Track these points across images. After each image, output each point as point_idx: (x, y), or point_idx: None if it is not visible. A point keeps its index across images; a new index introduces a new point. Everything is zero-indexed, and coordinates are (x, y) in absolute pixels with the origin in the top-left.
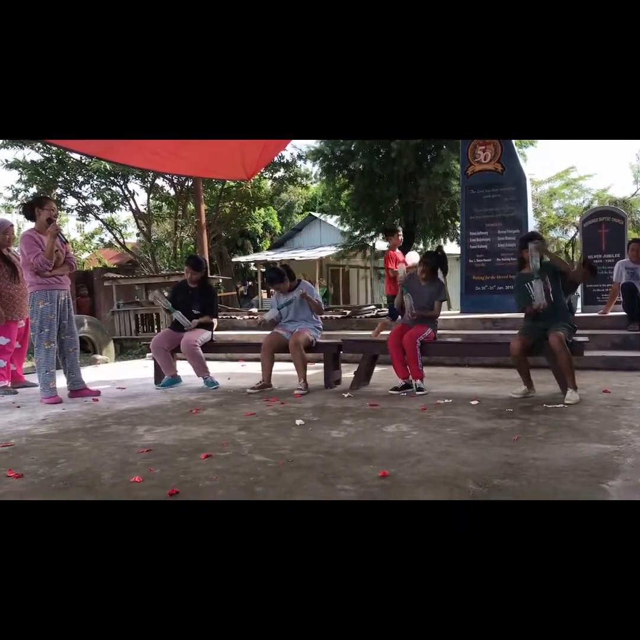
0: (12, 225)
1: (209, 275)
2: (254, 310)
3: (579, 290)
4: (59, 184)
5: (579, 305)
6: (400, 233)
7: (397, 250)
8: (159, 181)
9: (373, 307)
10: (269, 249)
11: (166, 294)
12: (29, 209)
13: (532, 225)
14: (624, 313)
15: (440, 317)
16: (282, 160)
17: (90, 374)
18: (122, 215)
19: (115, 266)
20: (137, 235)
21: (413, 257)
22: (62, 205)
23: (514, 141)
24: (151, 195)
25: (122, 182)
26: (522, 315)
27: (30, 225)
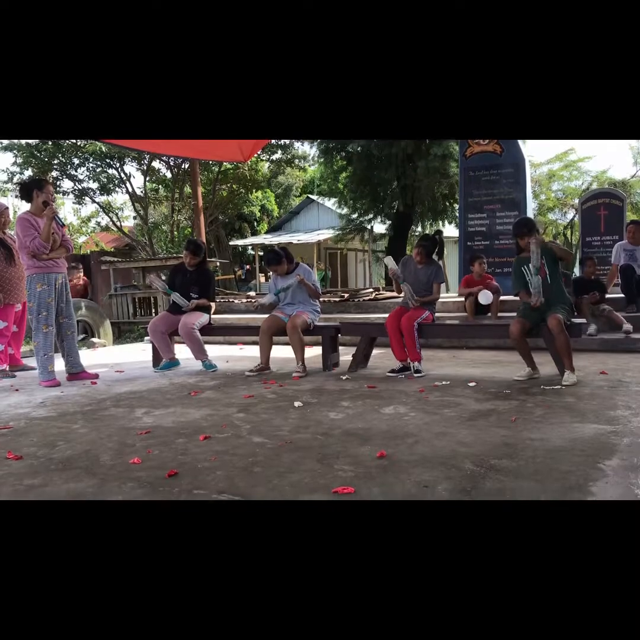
0: (7, 208)
1: (207, 259)
2: (252, 293)
3: (576, 271)
4: (55, 166)
5: None
6: (484, 261)
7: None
8: (156, 164)
9: (371, 290)
10: (266, 233)
11: (163, 277)
12: (27, 191)
13: (531, 207)
14: (622, 295)
15: (439, 300)
16: (279, 142)
17: (88, 358)
18: (119, 198)
19: (112, 250)
20: (134, 218)
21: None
22: (58, 188)
23: None
24: (148, 178)
25: (118, 164)
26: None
27: (26, 208)
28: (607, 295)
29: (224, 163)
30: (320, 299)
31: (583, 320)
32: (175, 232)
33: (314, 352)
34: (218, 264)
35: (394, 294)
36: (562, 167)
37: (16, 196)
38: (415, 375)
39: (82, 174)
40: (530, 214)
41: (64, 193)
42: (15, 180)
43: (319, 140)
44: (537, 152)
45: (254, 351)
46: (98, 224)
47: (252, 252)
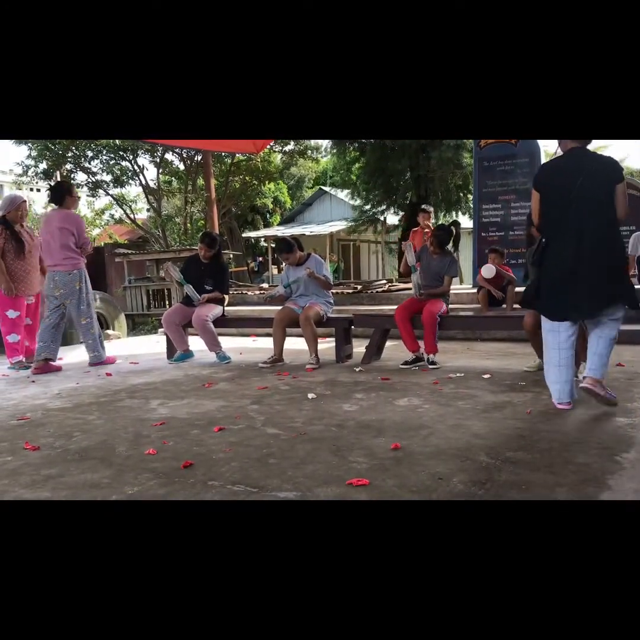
0: (24, 201)
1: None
2: (265, 285)
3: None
4: (69, 159)
5: None
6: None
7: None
8: (169, 156)
9: (384, 281)
10: (279, 224)
11: (178, 267)
12: (60, 194)
13: None
14: (639, 286)
15: (452, 291)
16: None
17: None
18: (132, 190)
19: (125, 242)
20: (148, 210)
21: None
22: (72, 181)
23: None
24: (161, 170)
25: (131, 157)
26: None
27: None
28: None
29: (237, 155)
30: (333, 291)
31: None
32: (189, 224)
33: (327, 344)
34: (231, 256)
35: (407, 285)
36: None
37: (31, 189)
38: (430, 367)
39: (95, 167)
40: None
41: (78, 185)
42: (30, 173)
43: None
44: (551, 142)
45: (267, 343)
46: (112, 216)
47: (265, 244)
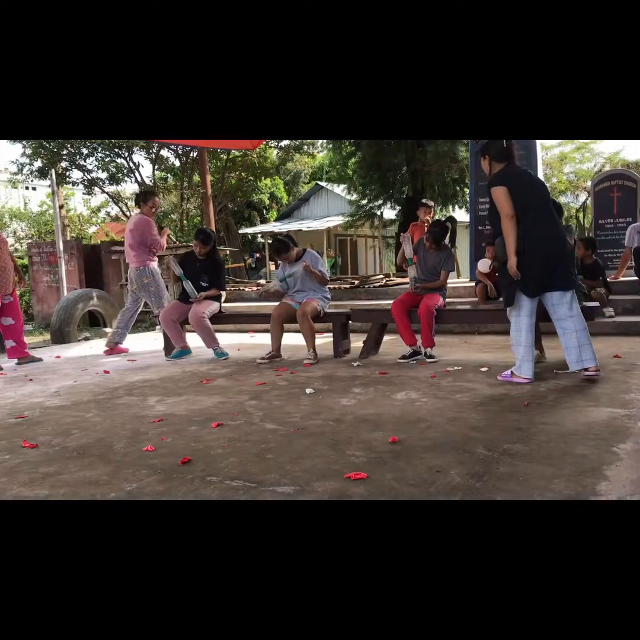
0: None
1: (217, 247)
2: (262, 281)
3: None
4: (64, 157)
5: None
6: (431, 204)
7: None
8: (164, 152)
9: (381, 276)
10: (276, 220)
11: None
12: (137, 201)
13: None
14: (635, 278)
15: (449, 285)
16: None
17: (100, 347)
18: (128, 187)
19: (122, 240)
20: None
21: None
22: (67, 179)
23: None
24: (156, 167)
25: (126, 154)
26: None
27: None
28: (621, 278)
29: (233, 151)
30: (330, 286)
31: (596, 304)
32: (185, 221)
33: (324, 339)
34: (228, 252)
35: (405, 280)
36: (574, 149)
37: (26, 188)
38: (428, 360)
39: (91, 164)
40: None
41: (74, 183)
42: (25, 171)
43: None
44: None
45: (265, 339)
46: (108, 213)
47: (262, 240)
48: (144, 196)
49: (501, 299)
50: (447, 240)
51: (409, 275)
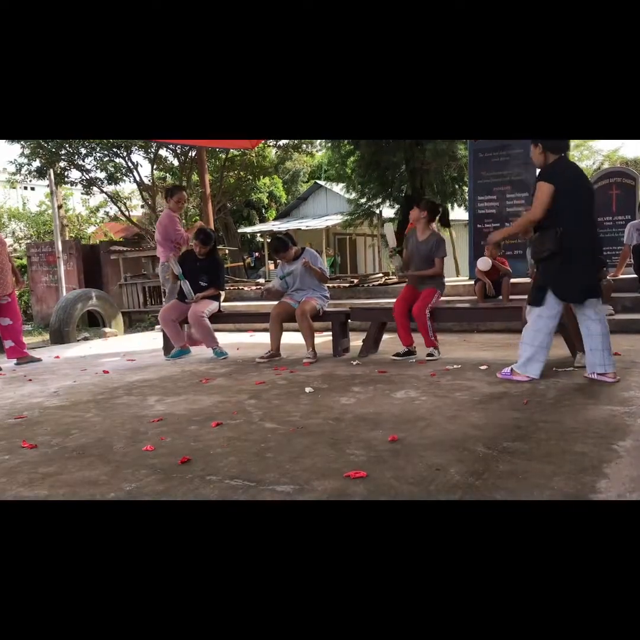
0: None
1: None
2: (262, 280)
3: None
4: (62, 157)
5: None
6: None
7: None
8: (163, 152)
9: (381, 275)
10: (275, 219)
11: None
12: (166, 197)
13: None
14: (634, 275)
15: (448, 283)
16: None
17: (100, 347)
18: (127, 187)
19: (121, 239)
20: (142, 207)
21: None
22: (66, 179)
23: None
24: (155, 167)
25: (125, 153)
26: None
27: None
28: (620, 276)
29: (231, 150)
30: (329, 285)
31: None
32: (184, 221)
33: (324, 338)
34: (227, 251)
35: (404, 279)
36: (573, 147)
37: (25, 188)
38: (427, 358)
39: (89, 164)
40: None
41: (72, 183)
42: (23, 171)
43: None
44: None
45: (264, 338)
46: (106, 214)
47: (261, 239)
48: (170, 191)
49: (500, 297)
50: (436, 227)
51: (394, 264)
